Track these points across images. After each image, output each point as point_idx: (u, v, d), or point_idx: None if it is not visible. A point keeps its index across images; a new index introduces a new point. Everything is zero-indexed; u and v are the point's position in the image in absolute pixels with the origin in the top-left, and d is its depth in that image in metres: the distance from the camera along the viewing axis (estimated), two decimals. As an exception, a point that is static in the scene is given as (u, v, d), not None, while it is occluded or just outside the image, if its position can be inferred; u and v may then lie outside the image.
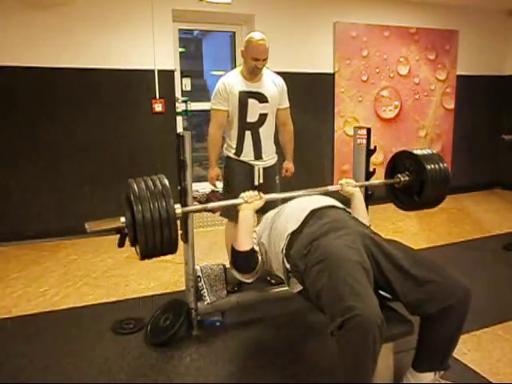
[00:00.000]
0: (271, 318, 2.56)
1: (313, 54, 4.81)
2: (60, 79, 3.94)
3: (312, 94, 4.88)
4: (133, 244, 1.73)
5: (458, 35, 5.49)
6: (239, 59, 2.65)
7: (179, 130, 4.41)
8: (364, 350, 1.43)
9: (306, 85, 4.77)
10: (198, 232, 4.17)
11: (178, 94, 4.42)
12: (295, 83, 4.37)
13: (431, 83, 5.48)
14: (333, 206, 2.03)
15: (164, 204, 1.67)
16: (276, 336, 2.36)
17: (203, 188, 4.49)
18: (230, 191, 2.70)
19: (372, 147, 2.57)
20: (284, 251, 1.88)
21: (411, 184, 2.35)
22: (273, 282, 2.60)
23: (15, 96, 3.86)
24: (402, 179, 2.36)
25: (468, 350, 2.18)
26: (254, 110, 2.65)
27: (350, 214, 2.10)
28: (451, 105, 5.65)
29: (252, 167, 2.71)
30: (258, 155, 2.72)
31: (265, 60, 2.57)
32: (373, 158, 2.61)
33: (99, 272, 3.32)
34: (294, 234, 1.87)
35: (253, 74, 2.62)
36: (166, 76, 4.24)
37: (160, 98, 4.22)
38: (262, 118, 2.69)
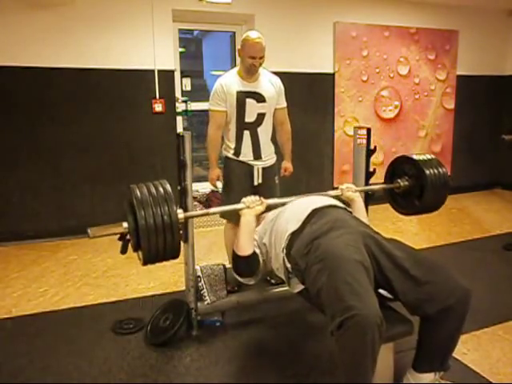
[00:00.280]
0: (271, 317, 2.55)
1: (313, 54, 4.81)
2: (60, 79, 3.94)
3: (312, 94, 4.88)
4: (135, 249, 1.73)
5: (457, 35, 5.49)
6: (239, 59, 2.65)
7: (179, 130, 4.41)
8: (363, 349, 1.43)
9: (305, 85, 4.77)
10: (198, 232, 4.17)
11: (177, 93, 4.42)
12: (295, 83, 4.39)
13: (431, 83, 5.48)
14: (334, 206, 2.03)
15: (167, 209, 1.67)
16: (276, 336, 2.36)
17: (203, 188, 4.52)
18: (230, 192, 2.70)
19: (372, 147, 2.57)
20: (285, 251, 1.88)
21: (411, 189, 2.36)
22: (273, 281, 2.60)
23: (15, 96, 3.86)
24: (402, 184, 2.38)
25: (468, 350, 2.18)
26: (252, 109, 2.65)
27: (350, 213, 2.10)
28: (451, 105, 5.66)
29: (251, 167, 2.71)
30: (257, 155, 2.72)
31: (262, 58, 2.57)
32: (373, 158, 2.61)
33: (99, 272, 3.32)
34: (295, 234, 1.87)
35: (250, 72, 2.62)
36: (166, 76, 4.24)
37: (160, 98, 4.22)
38: (260, 117, 2.69)
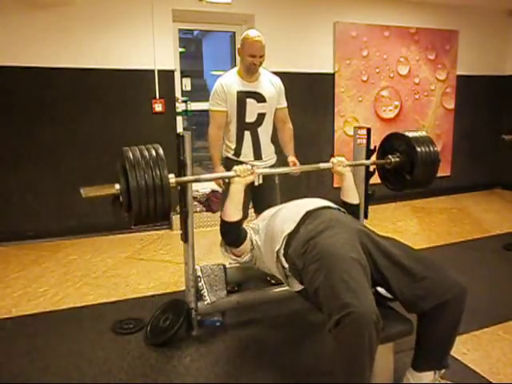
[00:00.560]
0: (271, 317, 2.56)
1: (313, 54, 4.81)
2: (60, 79, 3.94)
3: (312, 94, 4.88)
4: (127, 210, 1.74)
5: (457, 35, 5.49)
6: (239, 58, 2.65)
7: (179, 129, 4.41)
8: (360, 346, 1.43)
9: (305, 85, 4.77)
10: (198, 232, 4.16)
11: (178, 93, 4.42)
12: (295, 83, 4.39)
13: (431, 83, 5.48)
14: (327, 207, 2.04)
15: (158, 172, 1.70)
16: (276, 336, 2.36)
17: (203, 188, 4.52)
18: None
19: (372, 147, 2.57)
20: (282, 251, 1.89)
21: (402, 165, 2.36)
22: (273, 282, 2.60)
23: (15, 96, 3.86)
24: (393, 160, 2.38)
25: (468, 349, 2.18)
26: (253, 109, 2.65)
27: (344, 213, 2.11)
28: (451, 105, 5.66)
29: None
30: (257, 156, 2.72)
31: (261, 57, 2.56)
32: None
33: (99, 272, 3.32)
34: (291, 235, 1.88)
35: (250, 72, 2.61)
36: (166, 76, 4.24)
37: (160, 97, 4.22)
38: (261, 117, 2.69)
